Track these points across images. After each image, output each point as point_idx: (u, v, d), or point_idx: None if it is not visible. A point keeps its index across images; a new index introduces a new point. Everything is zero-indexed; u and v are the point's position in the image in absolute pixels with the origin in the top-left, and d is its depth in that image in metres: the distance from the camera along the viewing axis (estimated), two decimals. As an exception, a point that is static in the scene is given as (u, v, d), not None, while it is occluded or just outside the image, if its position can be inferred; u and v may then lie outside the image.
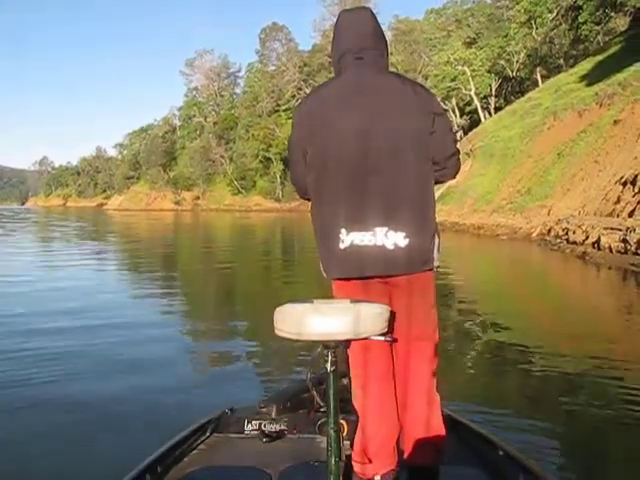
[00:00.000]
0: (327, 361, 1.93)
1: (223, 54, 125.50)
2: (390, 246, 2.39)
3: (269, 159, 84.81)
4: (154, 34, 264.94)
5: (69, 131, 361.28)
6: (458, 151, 2.60)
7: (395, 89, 2.49)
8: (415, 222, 2.43)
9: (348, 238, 2.42)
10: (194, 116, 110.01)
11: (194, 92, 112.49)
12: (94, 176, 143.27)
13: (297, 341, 1.91)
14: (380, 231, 2.39)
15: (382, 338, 2.05)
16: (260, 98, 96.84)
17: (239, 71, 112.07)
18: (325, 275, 2.57)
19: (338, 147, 2.44)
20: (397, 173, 2.42)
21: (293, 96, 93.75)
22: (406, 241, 2.40)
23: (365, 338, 1.95)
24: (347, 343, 1.99)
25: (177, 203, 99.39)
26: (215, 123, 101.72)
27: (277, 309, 1.95)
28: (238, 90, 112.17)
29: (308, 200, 2.63)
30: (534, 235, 24.07)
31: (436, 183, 2.58)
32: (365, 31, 2.55)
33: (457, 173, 2.66)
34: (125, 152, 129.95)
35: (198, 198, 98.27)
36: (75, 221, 55.37)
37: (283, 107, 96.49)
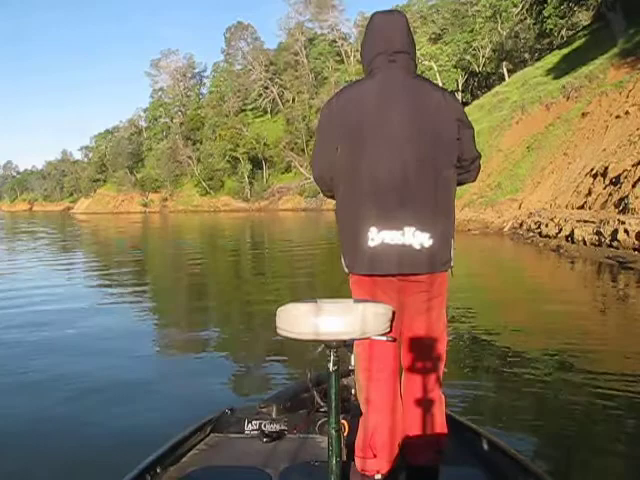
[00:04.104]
0: (329, 361, 1.84)
1: (188, 54, 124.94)
2: (417, 246, 2.46)
3: (237, 159, 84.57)
4: (117, 36, 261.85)
5: (34, 135, 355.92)
6: (480, 155, 2.70)
7: (426, 93, 2.55)
8: (439, 223, 2.51)
9: (379, 236, 2.46)
10: (160, 117, 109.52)
11: (160, 93, 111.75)
12: (60, 180, 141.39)
13: (299, 341, 1.82)
14: (408, 231, 2.46)
15: (384, 338, 1.98)
16: (226, 98, 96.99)
17: (205, 71, 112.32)
18: (347, 271, 2.60)
19: (373, 147, 2.48)
20: (426, 175, 2.49)
21: (260, 95, 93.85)
22: (430, 242, 2.47)
23: (367, 338, 1.89)
24: (350, 343, 1.89)
25: (145, 205, 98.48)
26: (182, 124, 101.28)
27: (279, 308, 1.84)
28: (204, 90, 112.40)
29: (331, 198, 2.68)
30: (506, 229, 24.19)
31: (458, 185, 2.68)
32: (399, 34, 2.59)
33: (478, 175, 2.77)
34: (91, 155, 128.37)
35: (166, 200, 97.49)
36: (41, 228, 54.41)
37: (250, 106, 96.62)
